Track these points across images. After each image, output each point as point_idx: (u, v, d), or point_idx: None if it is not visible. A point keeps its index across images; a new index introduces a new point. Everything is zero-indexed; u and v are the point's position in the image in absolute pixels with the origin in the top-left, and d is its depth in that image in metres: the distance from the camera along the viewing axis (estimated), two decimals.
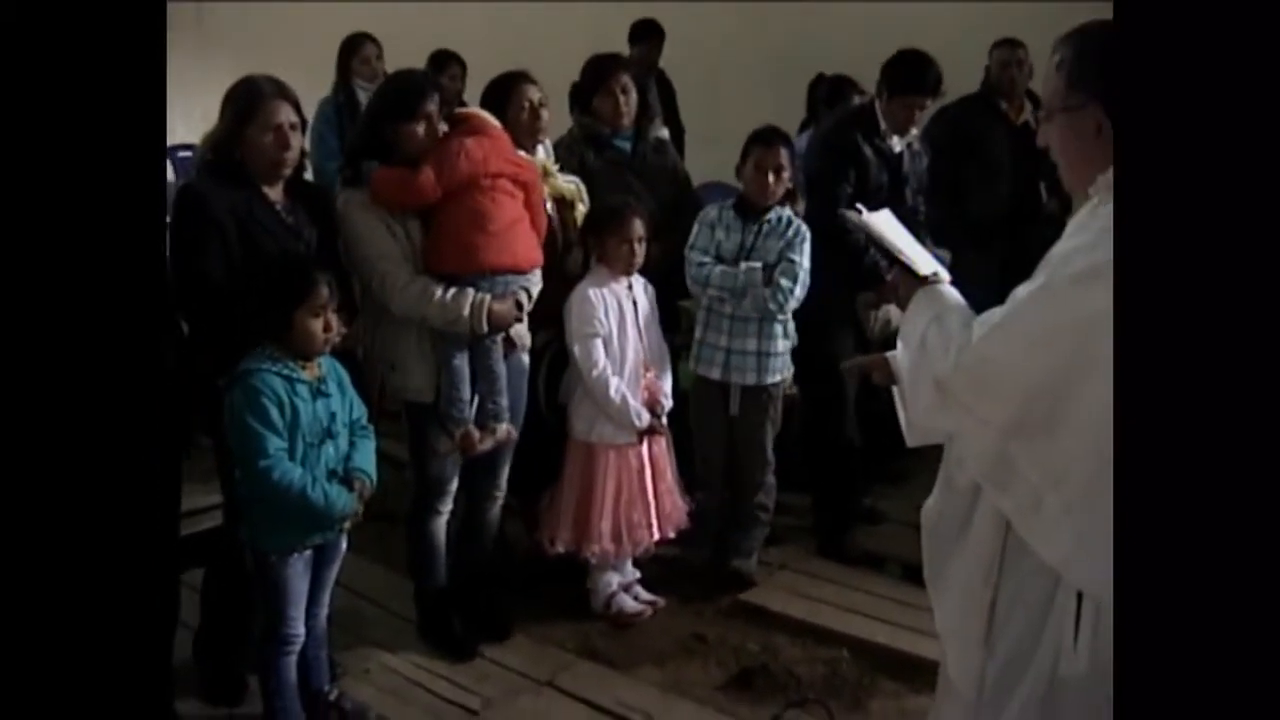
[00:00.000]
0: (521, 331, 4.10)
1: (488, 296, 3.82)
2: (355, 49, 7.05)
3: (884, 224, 2.76)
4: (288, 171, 3.61)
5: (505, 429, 4.06)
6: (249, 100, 3.54)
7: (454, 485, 4.16)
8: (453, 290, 3.79)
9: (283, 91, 3.59)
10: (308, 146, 3.88)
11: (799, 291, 4.50)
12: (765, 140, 4.59)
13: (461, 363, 3.91)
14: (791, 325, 4.67)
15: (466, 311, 3.77)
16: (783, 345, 4.65)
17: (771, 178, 4.53)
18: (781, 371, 4.69)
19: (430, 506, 4.16)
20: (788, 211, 4.63)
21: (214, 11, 9.88)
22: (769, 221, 4.58)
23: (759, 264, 4.48)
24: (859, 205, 2.96)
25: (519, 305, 3.94)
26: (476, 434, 3.98)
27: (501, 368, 4.01)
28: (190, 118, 7.10)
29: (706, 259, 4.57)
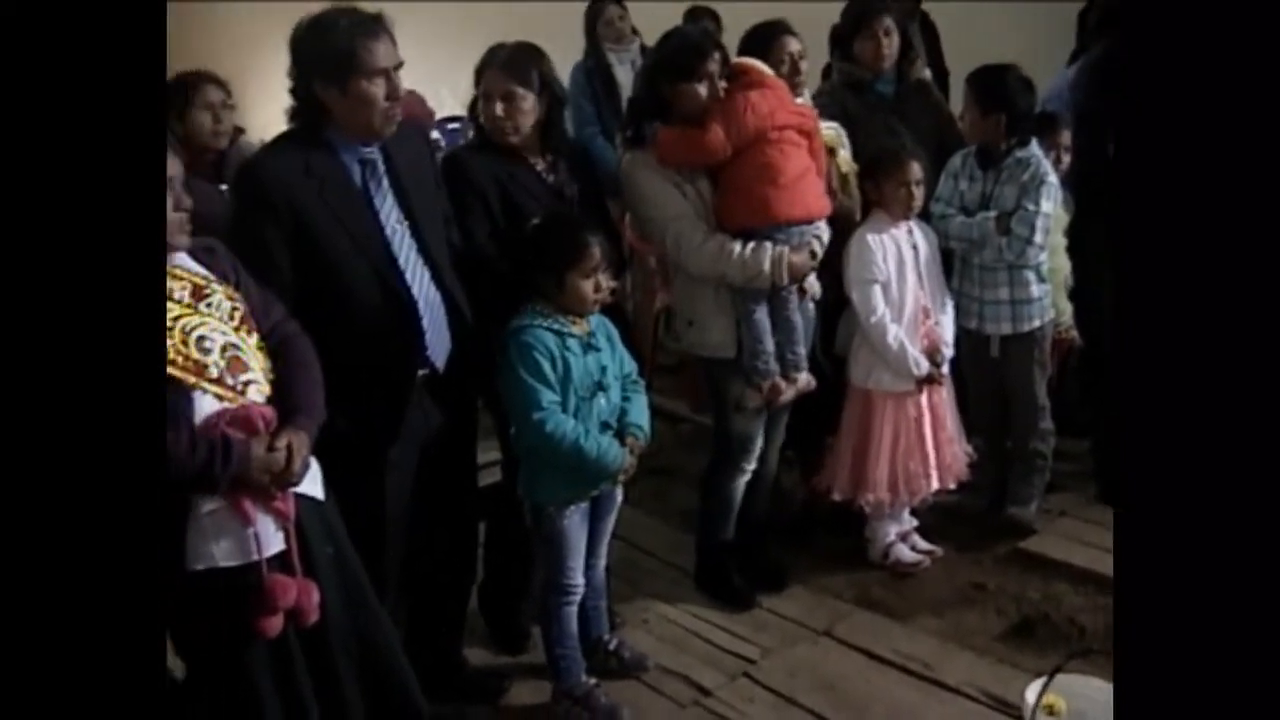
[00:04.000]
0: (812, 280, 4.06)
1: (785, 249, 3.80)
2: (599, 13, 7.08)
3: None
4: (512, 139, 3.63)
5: (806, 378, 4.04)
6: (481, 70, 3.65)
7: (760, 441, 4.16)
8: (750, 245, 3.78)
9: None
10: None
11: (1038, 238, 4.32)
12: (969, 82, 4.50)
13: (762, 315, 3.90)
14: (1050, 267, 4.51)
15: (767, 265, 3.76)
16: (1038, 290, 4.48)
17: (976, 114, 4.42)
18: (1040, 317, 4.52)
19: (735, 464, 4.17)
20: (1030, 152, 4.44)
21: None
22: (1007, 167, 4.42)
23: (993, 213, 4.34)
24: None
25: (813, 254, 3.91)
26: (782, 384, 3.97)
27: (798, 317, 3.98)
28: (458, 90, 7.34)
29: (950, 210, 4.47)
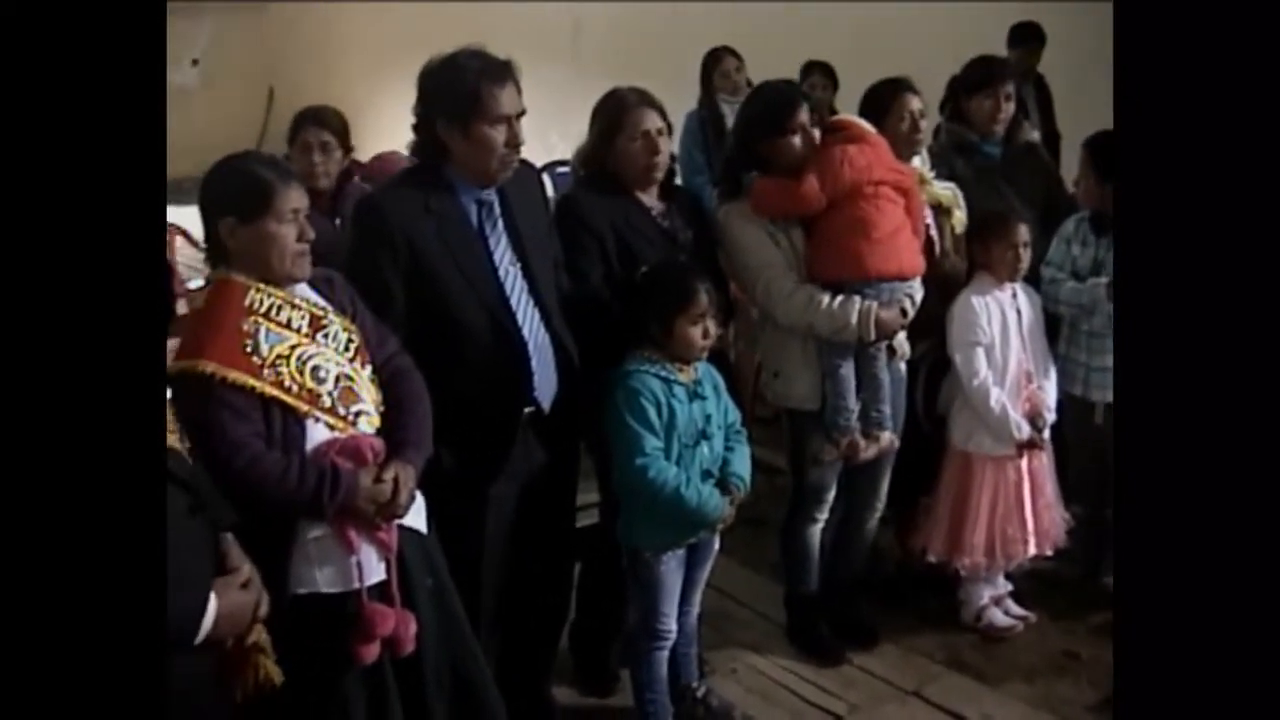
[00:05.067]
0: (902, 339, 4.05)
1: (874, 304, 3.79)
2: (717, 63, 7.15)
3: None
4: (658, 176, 3.70)
5: (889, 437, 4.02)
6: (616, 111, 3.66)
7: (832, 493, 4.16)
8: (840, 298, 3.78)
9: (647, 99, 3.68)
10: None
11: None
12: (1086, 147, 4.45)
13: (848, 370, 3.89)
14: None
15: (854, 319, 3.76)
16: None
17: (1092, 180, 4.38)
18: None
19: (808, 514, 4.17)
20: None
21: (587, 30, 10.22)
22: None
23: (1105, 280, 4.28)
24: None
25: (903, 312, 3.90)
26: (862, 442, 3.96)
27: (885, 375, 3.97)
28: (568, 135, 7.42)
29: (1060, 274, 4.43)
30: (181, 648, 2.21)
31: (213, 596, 2.29)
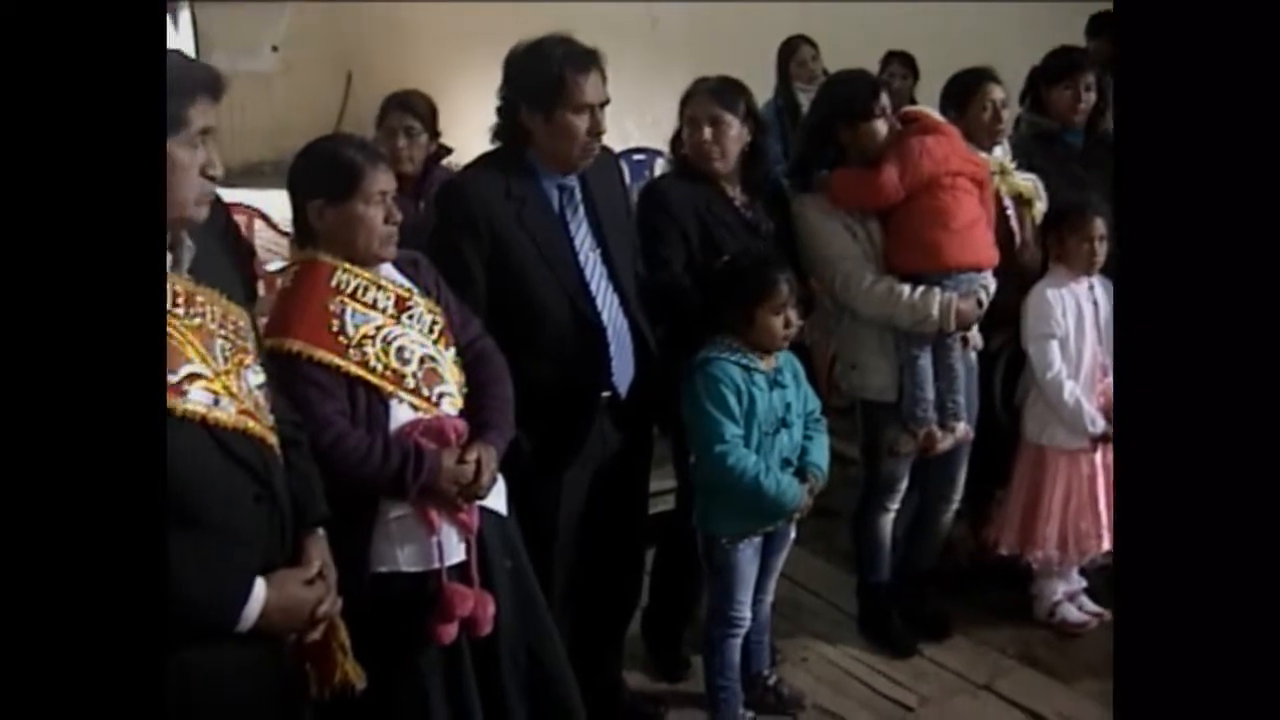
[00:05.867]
0: (974, 331, 4.04)
1: (954, 295, 3.79)
2: (793, 51, 7.12)
3: None
4: (723, 168, 3.68)
5: (964, 428, 4.02)
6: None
7: (905, 484, 4.15)
8: (920, 289, 3.77)
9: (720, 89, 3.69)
10: None
11: None
12: None
13: (926, 362, 3.88)
14: None
15: (936, 311, 3.75)
16: None
17: None
18: None
19: (881, 504, 4.17)
20: None
21: (664, 25, 10.20)
22: None
23: None
24: None
25: (979, 304, 3.89)
26: (939, 433, 3.95)
27: (961, 366, 3.96)
28: (644, 124, 7.43)
29: None
30: (223, 634, 2.17)
31: (261, 586, 2.21)
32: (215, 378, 2.18)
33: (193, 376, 2.14)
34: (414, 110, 4.57)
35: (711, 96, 3.65)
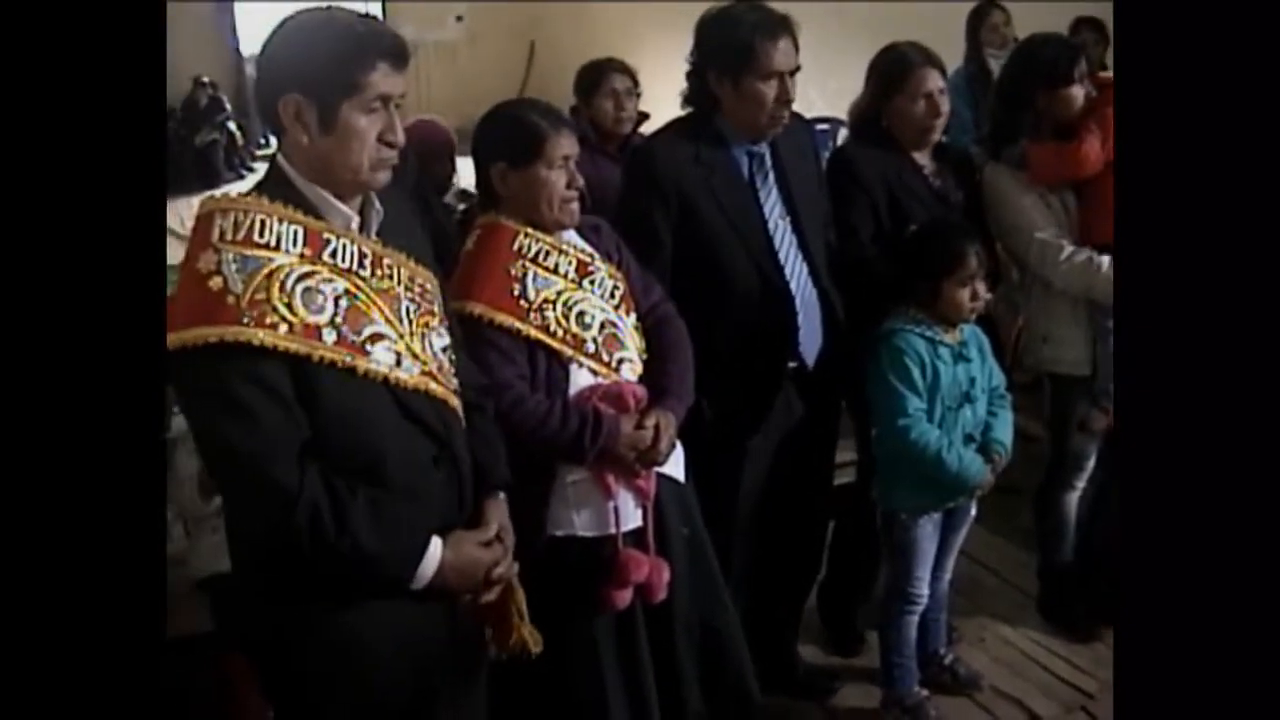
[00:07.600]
0: None
1: None
2: (983, 17, 6.93)
3: None
4: (935, 138, 3.62)
5: None
6: (897, 68, 3.57)
7: (1092, 461, 4.03)
8: None
9: (930, 58, 3.58)
10: None
11: None
12: None
13: None
14: None
15: None
16: None
17: None
18: None
19: (1067, 482, 4.06)
20: None
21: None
22: None
23: None
24: None
25: None
26: None
27: None
28: (826, 92, 7.33)
29: None
30: (399, 590, 2.20)
31: (437, 545, 2.23)
32: (399, 339, 2.21)
33: (376, 336, 2.16)
34: (630, 73, 4.68)
35: (936, 69, 3.57)
